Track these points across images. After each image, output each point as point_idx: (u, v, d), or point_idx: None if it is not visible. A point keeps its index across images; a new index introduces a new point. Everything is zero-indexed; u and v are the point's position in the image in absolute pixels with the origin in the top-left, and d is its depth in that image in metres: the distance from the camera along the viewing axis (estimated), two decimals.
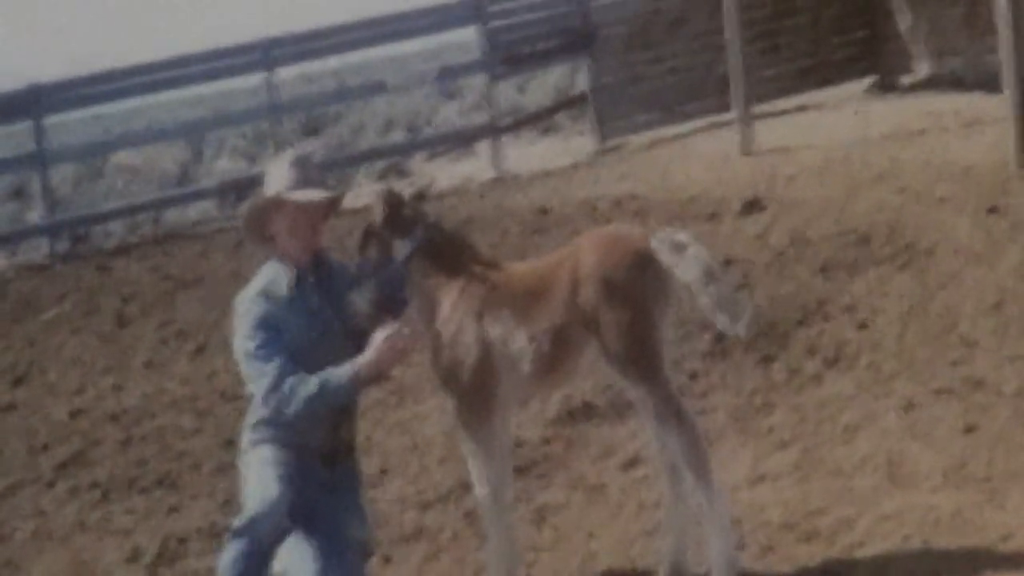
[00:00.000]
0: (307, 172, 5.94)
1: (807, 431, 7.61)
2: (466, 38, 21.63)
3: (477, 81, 22.34)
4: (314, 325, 5.87)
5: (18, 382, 11.45)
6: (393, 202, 5.96)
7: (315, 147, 22.28)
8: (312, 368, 5.63)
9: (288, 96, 21.78)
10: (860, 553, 6.04)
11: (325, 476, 5.94)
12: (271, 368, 5.64)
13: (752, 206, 12.70)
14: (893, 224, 11.06)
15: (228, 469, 7.99)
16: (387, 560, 6.92)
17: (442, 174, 19.13)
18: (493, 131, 19.69)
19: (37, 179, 19.09)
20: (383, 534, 7.09)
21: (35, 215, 20.25)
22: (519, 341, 5.64)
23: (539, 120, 21.98)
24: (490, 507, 5.89)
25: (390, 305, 5.90)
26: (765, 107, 18.95)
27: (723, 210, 12.96)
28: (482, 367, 5.72)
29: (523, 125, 21.64)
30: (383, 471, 8.11)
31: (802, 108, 19.44)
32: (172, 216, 20.07)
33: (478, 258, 5.99)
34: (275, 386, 5.61)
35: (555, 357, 5.64)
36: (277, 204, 5.89)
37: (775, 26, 20.19)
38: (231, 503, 7.55)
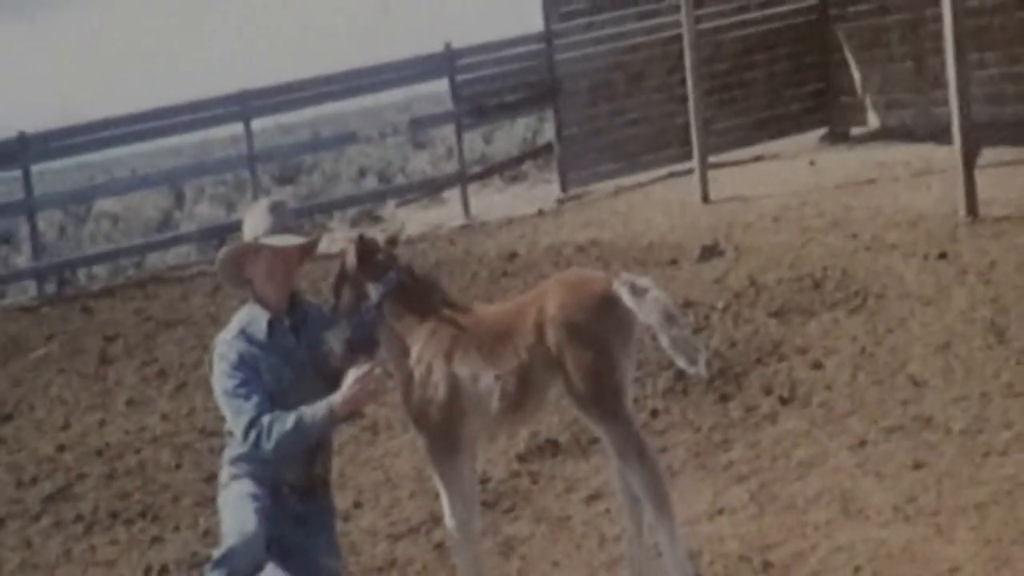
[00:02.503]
0: (283, 218, 6.00)
1: (763, 466, 7.68)
2: (437, 90, 21.93)
3: (447, 131, 22.65)
4: (289, 365, 5.94)
5: (6, 419, 11.48)
6: (367, 247, 6.03)
7: (287, 195, 22.43)
8: (288, 406, 5.69)
9: (265, 146, 22.03)
10: None
11: (300, 510, 6.01)
12: (249, 406, 5.71)
13: (710, 252, 12.99)
14: (845, 270, 11.35)
15: (208, 502, 8.06)
16: None
17: (413, 220, 19.31)
18: (462, 179, 19.99)
19: (25, 225, 19.34)
20: (356, 565, 7.18)
21: (23, 259, 20.44)
22: (486, 381, 5.67)
23: (506, 169, 22.30)
24: (458, 539, 5.95)
25: (363, 346, 5.98)
26: (723, 157, 19.29)
27: (682, 255, 13.22)
28: (451, 405, 5.76)
29: (491, 174, 21.94)
30: (356, 504, 8.15)
31: (758, 158, 19.79)
32: (154, 260, 20.31)
33: (448, 301, 6.04)
34: (253, 423, 5.67)
35: (521, 396, 5.65)
36: (255, 249, 5.99)
37: (733, 80, 20.64)
38: (211, 534, 7.58)
